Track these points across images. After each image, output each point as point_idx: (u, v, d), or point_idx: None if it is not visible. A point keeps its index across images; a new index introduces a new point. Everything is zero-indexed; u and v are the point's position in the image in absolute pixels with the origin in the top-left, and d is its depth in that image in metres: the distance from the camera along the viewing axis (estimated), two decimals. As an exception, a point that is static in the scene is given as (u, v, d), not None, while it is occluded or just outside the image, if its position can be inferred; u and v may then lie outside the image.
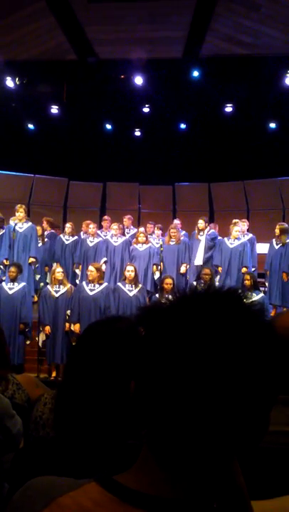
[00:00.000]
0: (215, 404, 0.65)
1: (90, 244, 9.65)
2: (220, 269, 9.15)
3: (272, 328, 0.72)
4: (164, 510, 0.66)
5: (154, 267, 9.18)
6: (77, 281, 9.20)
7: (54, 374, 7.75)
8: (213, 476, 0.69)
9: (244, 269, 8.76)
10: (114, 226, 9.69)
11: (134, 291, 7.70)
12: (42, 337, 7.82)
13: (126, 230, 10.54)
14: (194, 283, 8.22)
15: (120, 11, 8.31)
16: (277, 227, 9.10)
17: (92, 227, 9.84)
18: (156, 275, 9.17)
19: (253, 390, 0.66)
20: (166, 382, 0.67)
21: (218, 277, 8.94)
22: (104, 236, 9.99)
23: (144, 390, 0.71)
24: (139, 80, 10.30)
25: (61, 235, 10.23)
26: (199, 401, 0.65)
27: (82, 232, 10.47)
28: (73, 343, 7.45)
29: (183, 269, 9.35)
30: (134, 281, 7.78)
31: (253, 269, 9.18)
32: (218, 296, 0.73)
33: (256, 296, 7.59)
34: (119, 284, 8.02)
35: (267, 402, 0.69)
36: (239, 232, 9.26)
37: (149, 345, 0.71)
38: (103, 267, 9.01)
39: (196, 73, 10.15)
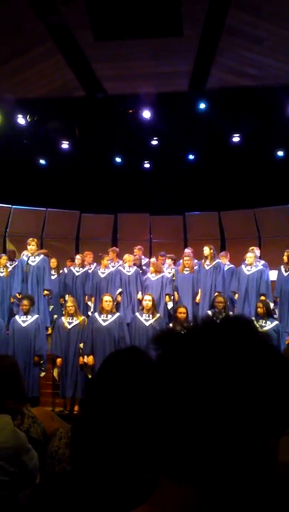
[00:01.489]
0: (227, 431, 0.66)
1: (102, 276, 9.68)
2: (236, 296, 9.10)
3: (281, 355, 0.73)
4: None
5: (167, 297, 9.12)
6: (90, 313, 9.19)
7: (68, 407, 7.68)
8: (237, 498, 0.69)
9: (262, 297, 8.61)
10: (129, 257, 9.74)
11: (151, 321, 7.66)
12: (57, 370, 7.79)
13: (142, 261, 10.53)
14: (209, 312, 8.16)
15: (126, 48, 8.55)
16: (285, 253, 9.08)
17: (106, 259, 9.88)
18: (170, 305, 9.11)
19: (265, 416, 0.67)
20: (183, 410, 0.68)
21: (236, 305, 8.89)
22: (113, 267, 10.02)
23: (163, 422, 0.71)
24: (147, 114, 10.52)
25: (71, 267, 10.30)
26: (212, 429, 0.66)
27: (88, 264, 10.48)
28: (89, 376, 7.40)
29: (197, 299, 9.28)
30: (152, 310, 7.75)
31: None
32: (229, 325, 0.74)
33: (270, 324, 7.51)
34: (137, 313, 8.00)
35: (277, 429, 0.69)
36: (255, 258, 9.24)
37: (163, 375, 0.72)
38: (118, 298, 9.03)
39: (202, 105, 10.33)
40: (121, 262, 10.02)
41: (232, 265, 10.09)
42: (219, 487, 0.67)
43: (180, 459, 0.69)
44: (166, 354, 0.74)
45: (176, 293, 9.25)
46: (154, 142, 12.08)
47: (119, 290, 9.34)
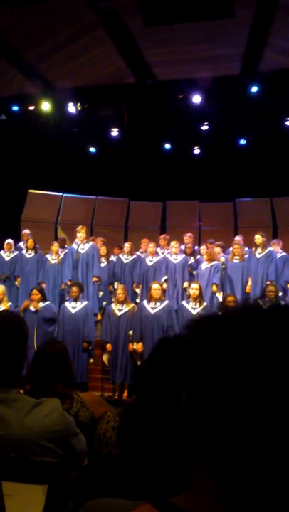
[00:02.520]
0: (268, 416, 0.63)
1: (149, 264, 9.69)
2: (289, 285, 8.88)
3: None
4: None
5: (214, 286, 8.91)
6: (137, 300, 9.24)
7: (117, 393, 7.79)
8: (275, 496, 0.66)
9: None
10: (175, 244, 9.68)
11: (198, 310, 7.62)
12: (106, 356, 7.91)
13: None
14: (259, 301, 8.01)
15: (176, 33, 8.44)
16: None
17: (151, 246, 9.88)
18: (218, 294, 8.95)
19: None
20: (217, 395, 0.66)
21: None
22: (162, 254, 10.01)
23: (196, 404, 0.69)
24: (197, 99, 10.35)
25: (120, 255, 10.37)
26: (250, 414, 0.63)
27: (139, 251, 10.54)
28: (138, 362, 7.47)
29: (248, 288, 9.12)
30: (199, 299, 7.70)
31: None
32: (277, 313, 0.70)
33: None
34: (183, 302, 7.98)
35: None
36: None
37: (200, 357, 0.70)
38: (164, 286, 9.01)
39: (254, 89, 10.05)
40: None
41: (285, 253, 9.76)
42: (252, 480, 0.65)
43: (214, 449, 0.67)
44: (199, 336, 0.71)
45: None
46: (205, 127, 11.90)
47: (165, 277, 9.32)
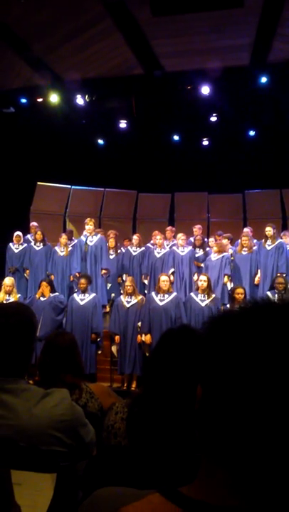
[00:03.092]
0: (282, 412, 0.63)
1: (158, 255, 9.70)
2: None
3: None
4: None
5: (226, 277, 8.94)
6: (146, 292, 9.26)
7: (126, 384, 7.83)
8: (285, 488, 0.67)
9: None
10: (182, 236, 9.67)
11: (207, 301, 7.61)
12: (115, 347, 7.95)
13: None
14: (268, 293, 7.98)
15: (185, 23, 8.36)
16: None
17: (158, 238, 9.88)
18: (229, 286, 8.96)
19: None
20: (231, 389, 0.67)
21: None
22: (168, 246, 10.00)
23: (211, 396, 0.70)
24: (206, 90, 10.28)
25: (128, 247, 10.38)
26: (261, 409, 0.64)
27: (150, 243, 10.55)
28: (146, 354, 7.50)
29: (256, 280, 9.09)
30: (207, 291, 7.69)
31: None
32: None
33: None
34: (192, 294, 7.98)
35: None
36: None
37: (216, 351, 0.70)
38: (171, 278, 9.02)
39: (264, 79, 9.97)
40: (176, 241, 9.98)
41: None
42: (264, 472, 0.65)
43: (226, 442, 0.68)
44: (214, 331, 0.72)
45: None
46: (213, 119, 11.83)
47: (172, 270, 9.32)
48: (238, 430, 0.66)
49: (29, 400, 1.72)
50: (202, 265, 9.47)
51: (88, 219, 9.52)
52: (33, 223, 11.03)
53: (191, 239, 10.51)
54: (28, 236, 10.66)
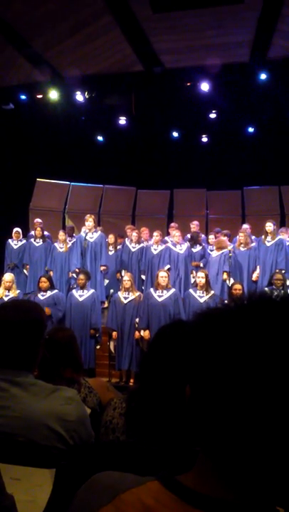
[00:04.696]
0: (270, 409, 0.65)
1: (154, 252, 9.70)
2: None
3: None
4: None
5: (225, 274, 8.92)
6: (143, 288, 9.27)
7: (124, 379, 7.86)
8: (274, 480, 0.68)
9: None
10: (177, 233, 9.67)
11: (205, 298, 7.63)
12: (112, 343, 7.98)
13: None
14: (266, 289, 8.00)
15: (184, 19, 8.35)
16: None
17: (156, 234, 9.87)
18: (229, 282, 8.95)
19: None
20: (220, 387, 0.68)
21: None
22: (166, 243, 9.98)
23: (199, 394, 0.71)
24: (205, 87, 10.27)
25: (127, 243, 10.38)
26: (252, 405, 0.65)
27: (145, 240, 10.52)
28: (144, 350, 7.52)
29: (255, 276, 9.10)
30: (206, 287, 7.71)
31: None
32: (278, 303, 0.72)
33: None
34: (190, 290, 8.00)
35: None
36: None
37: (204, 349, 0.71)
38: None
39: (263, 76, 9.95)
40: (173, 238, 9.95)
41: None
42: (253, 466, 0.67)
43: (215, 437, 0.69)
44: (207, 329, 0.72)
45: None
46: (213, 115, 11.82)
47: (168, 266, 9.33)
48: (224, 426, 0.67)
49: (37, 394, 1.75)
50: (201, 264, 9.46)
51: (88, 215, 9.53)
52: (37, 220, 11.01)
53: (188, 235, 10.52)
54: (32, 232, 10.60)
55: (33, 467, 1.66)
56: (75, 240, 9.87)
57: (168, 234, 10.63)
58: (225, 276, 8.86)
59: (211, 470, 0.70)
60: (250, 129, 12.60)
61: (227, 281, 8.81)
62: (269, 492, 0.68)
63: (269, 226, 9.12)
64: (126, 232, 10.64)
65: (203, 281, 7.66)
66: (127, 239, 10.32)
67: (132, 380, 7.70)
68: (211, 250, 9.62)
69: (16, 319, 1.79)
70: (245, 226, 10.36)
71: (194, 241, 9.86)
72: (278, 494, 0.69)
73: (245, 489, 0.68)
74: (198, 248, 9.87)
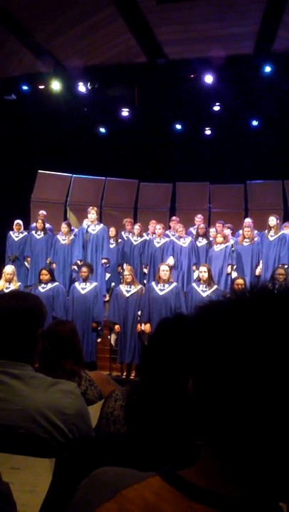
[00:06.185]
0: (273, 401, 0.64)
1: (157, 245, 9.68)
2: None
3: None
4: (225, 507, 0.66)
5: (229, 267, 8.89)
6: (145, 281, 9.26)
7: (125, 372, 7.87)
8: (277, 475, 0.67)
9: None
10: (180, 228, 9.64)
11: (208, 292, 7.62)
12: (114, 336, 7.98)
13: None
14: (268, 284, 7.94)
15: (189, 11, 8.29)
16: None
17: (158, 227, 9.85)
18: (233, 275, 8.91)
19: None
20: (222, 380, 0.67)
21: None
22: (171, 236, 9.97)
23: (202, 388, 0.70)
24: (209, 79, 10.20)
25: (130, 236, 10.36)
26: (256, 400, 0.64)
27: (148, 233, 10.51)
28: (145, 343, 7.52)
29: (258, 271, 9.07)
30: (208, 281, 7.69)
31: None
32: (279, 296, 0.70)
33: None
34: (193, 284, 7.98)
35: None
36: None
37: (206, 343, 0.70)
38: (171, 263, 9.01)
39: (268, 69, 9.88)
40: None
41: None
42: (256, 460, 0.66)
43: (218, 430, 0.69)
44: (208, 323, 0.71)
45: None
46: (216, 108, 11.75)
47: (171, 258, 9.29)
48: (228, 419, 0.67)
49: (37, 387, 1.73)
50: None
51: (91, 207, 9.51)
52: (42, 212, 10.97)
53: (191, 229, 10.47)
54: (34, 224, 10.59)
55: (31, 456, 1.65)
56: (76, 231, 9.86)
57: (169, 228, 10.61)
58: (229, 269, 8.82)
59: (214, 465, 0.70)
60: (254, 122, 12.54)
61: (232, 275, 8.77)
62: (272, 487, 0.68)
63: (272, 220, 9.09)
64: (124, 225, 10.61)
65: (206, 275, 7.64)
66: (124, 232, 10.30)
67: (133, 374, 7.70)
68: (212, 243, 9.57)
69: (13, 308, 1.77)
70: (249, 220, 10.31)
71: (204, 237, 9.78)
72: (281, 489, 0.69)
73: (248, 484, 0.67)
74: (203, 242, 9.80)
